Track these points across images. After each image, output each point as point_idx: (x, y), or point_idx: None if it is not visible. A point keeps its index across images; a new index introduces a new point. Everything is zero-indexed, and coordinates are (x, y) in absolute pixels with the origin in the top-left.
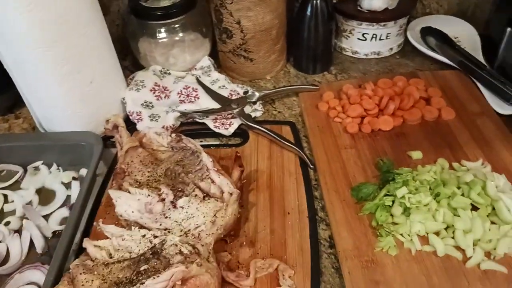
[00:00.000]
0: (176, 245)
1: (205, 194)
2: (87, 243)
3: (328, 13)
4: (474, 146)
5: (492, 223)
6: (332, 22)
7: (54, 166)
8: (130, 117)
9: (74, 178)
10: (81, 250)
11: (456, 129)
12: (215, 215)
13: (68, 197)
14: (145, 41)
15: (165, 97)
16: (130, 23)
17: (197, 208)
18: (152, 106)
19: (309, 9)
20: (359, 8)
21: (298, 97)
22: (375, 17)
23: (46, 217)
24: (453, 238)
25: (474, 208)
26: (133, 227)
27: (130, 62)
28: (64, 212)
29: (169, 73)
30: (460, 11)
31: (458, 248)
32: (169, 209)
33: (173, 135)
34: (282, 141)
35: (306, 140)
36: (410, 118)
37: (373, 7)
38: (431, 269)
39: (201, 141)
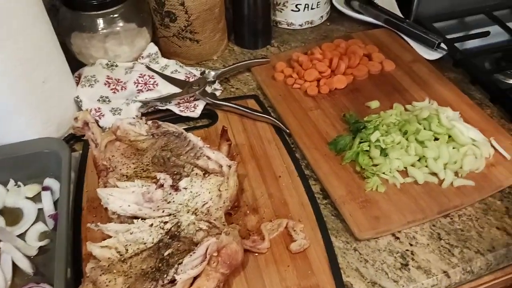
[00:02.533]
0: (194, 223)
1: (203, 172)
2: (92, 246)
3: None
4: (417, 89)
5: (452, 148)
6: None
7: (11, 182)
8: None
9: (44, 189)
10: (74, 260)
11: (398, 77)
12: (219, 189)
13: (40, 210)
14: (77, 37)
15: (121, 89)
16: (63, 17)
17: (201, 186)
18: (110, 100)
19: None
20: None
21: (250, 72)
22: None
23: (20, 237)
24: (426, 166)
25: (435, 139)
26: (135, 221)
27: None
28: (41, 227)
29: (117, 65)
30: None
31: (432, 174)
32: (170, 193)
33: (149, 122)
34: (253, 112)
35: (271, 110)
36: (359, 74)
37: None
38: (417, 196)
39: None
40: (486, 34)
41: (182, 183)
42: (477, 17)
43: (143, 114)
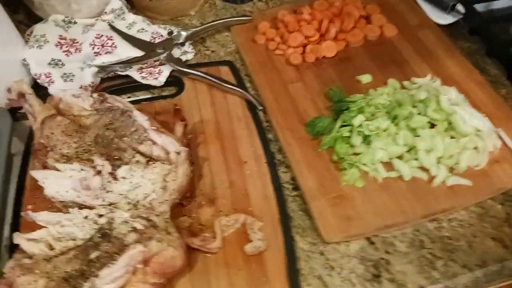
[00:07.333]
0: (127, 222)
1: (148, 159)
2: (19, 238)
3: None
4: (420, 61)
5: (451, 137)
6: None
7: None
8: (38, 80)
9: None
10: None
11: (400, 45)
12: (164, 179)
13: None
14: None
15: (76, 51)
16: None
17: (142, 176)
18: (63, 64)
19: None
20: None
21: (230, 32)
22: None
23: None
24: (416, 159)
25: (432, 126)
26: (71, 209)
27: (25, 16)
28: None
29: (75, 22)
30: None
31: (422, 168)
32: (109, 181)
33: (95, 94)
34: (223, 84)
35: (248, 79)
36: (353, 40)
37: None
38: (400, 194)
39: (129, 97)
40: None
41: (120, 172)
42: None
43: (102, 80)
